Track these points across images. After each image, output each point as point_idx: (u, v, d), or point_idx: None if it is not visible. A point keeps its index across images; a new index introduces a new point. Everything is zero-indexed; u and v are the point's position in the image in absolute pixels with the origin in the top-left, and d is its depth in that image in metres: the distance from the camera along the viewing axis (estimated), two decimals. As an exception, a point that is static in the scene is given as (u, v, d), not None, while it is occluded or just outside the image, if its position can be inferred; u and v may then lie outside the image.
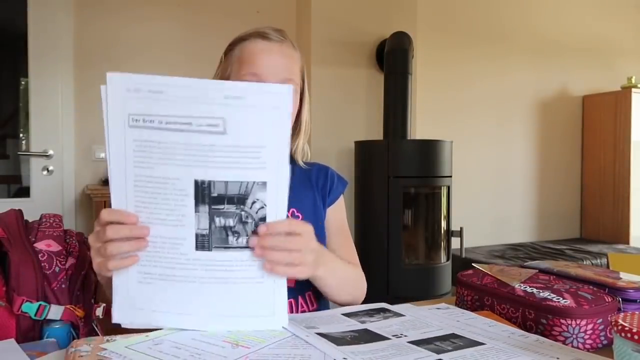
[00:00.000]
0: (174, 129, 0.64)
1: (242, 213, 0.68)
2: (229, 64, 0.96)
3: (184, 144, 0.64)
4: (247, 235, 0.68)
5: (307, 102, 1.01)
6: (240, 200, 0.67)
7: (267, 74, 0.91)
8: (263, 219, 0.68)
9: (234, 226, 0.68)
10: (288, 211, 0.91)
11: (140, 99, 0.63)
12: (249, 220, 0.68)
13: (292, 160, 1.02)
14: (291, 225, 0.69)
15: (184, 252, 0.67)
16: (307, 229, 0.71)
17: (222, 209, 0.67)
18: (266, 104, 0.65)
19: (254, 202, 0.67)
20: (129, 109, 0.63)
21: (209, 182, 0.66)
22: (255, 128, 0.65)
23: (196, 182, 0.65)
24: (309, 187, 1.02)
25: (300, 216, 0.96)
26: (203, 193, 0.66)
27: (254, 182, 0.67)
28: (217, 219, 0.67)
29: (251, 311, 0.69)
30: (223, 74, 0.98)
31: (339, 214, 1.05)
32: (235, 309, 0.69)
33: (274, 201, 0.68)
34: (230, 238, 0.68)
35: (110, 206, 0.66)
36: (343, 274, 0.90)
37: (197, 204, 0.66)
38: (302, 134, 1.01)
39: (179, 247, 0.67)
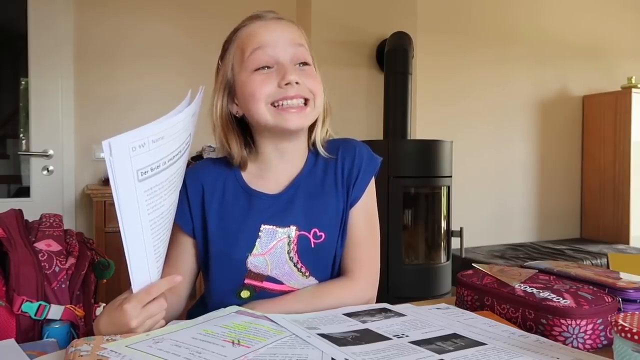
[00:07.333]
0: (173, 162, 0.68)
1: None
2: (230, 62, 0.88)
3: (177, 170, 0.71)
4: None
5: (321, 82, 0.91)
6: None
7: (274, 46, 0.83)
8: None
9: None
10: (309, 232, 0.86)
11: (146, 152, 0.63)
12: None
13: (315, 151, 0.94)
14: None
15: None
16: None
17: None
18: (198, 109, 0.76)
19: None
20: (137, 165, 0.62)
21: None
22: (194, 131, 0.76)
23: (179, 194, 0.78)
24: (332, 185, 0.91)
25: (323, 236, 0.88)
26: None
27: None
28: None
29: None
30: (225, 76, 0.89)
31: (363, 215, 0.92)
32: None
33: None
34: None
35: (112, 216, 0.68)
36: (298, 308, 0.81)
37: None
38: (318, 120, 0.91)
39: None
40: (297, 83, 0.83)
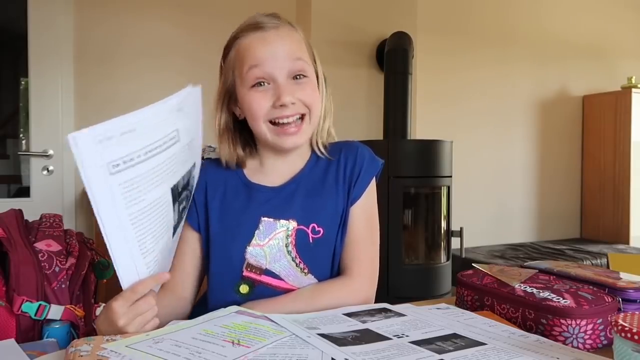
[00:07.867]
0: (152, 155, 0.66)
1: (188, 192, 0.83)
2: (230, 69, 0.90)
3: (160, 164, 0.69)
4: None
5: (322, 85, 0.93)
6: (187, 184, 0.81)
7: (270, 61, 0.84)
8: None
9: (186, 206, 0.85)
10: (308, 227, 0.88)
11: (115, 145, 0.61)
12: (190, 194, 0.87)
13: (315, 151, 0.95)
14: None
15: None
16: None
17: (181, 198, 0.80)
18: (191, 105, 0.74)
19: (190, 179, 0.83)
20: (107, 158, 0.61)
21: (176, 184, 0.76)
22: (188, 127, 0.74)
23: (171, 189, 0.74)
24: (333, 184, 0.92)
25: (322, 231, 0.88)
26: (175, 195, 0.76)
27: (191, 166, 0.82)
28: (180, 207, 0.80)
29: None
30: (227, 82, 0.91)
31: (363, 215, 0.92)
32: None
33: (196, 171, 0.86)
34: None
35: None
36: (297, 307, 0.82)
37: (174, 205, 0.76)
38: (319, 119, 0.93)
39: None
40: (292, 104, 0.85)
